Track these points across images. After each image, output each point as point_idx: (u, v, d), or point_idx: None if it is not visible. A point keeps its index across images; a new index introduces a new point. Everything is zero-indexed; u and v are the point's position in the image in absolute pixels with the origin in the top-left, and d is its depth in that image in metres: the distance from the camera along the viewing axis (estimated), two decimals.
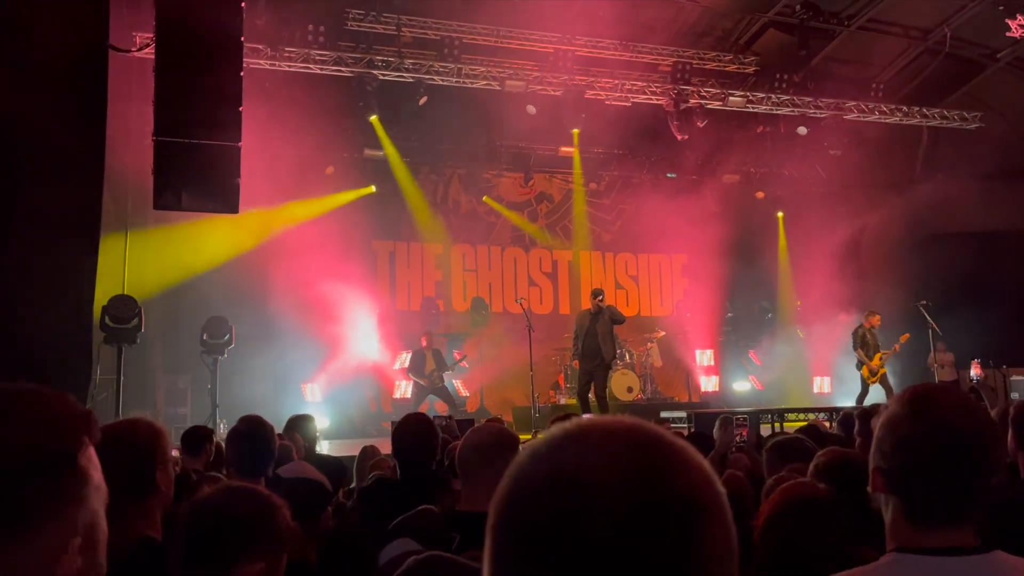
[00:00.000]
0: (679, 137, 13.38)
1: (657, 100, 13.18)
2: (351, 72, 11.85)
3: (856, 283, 14.10)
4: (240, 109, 6.89)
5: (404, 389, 12.57)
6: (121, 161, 8.82)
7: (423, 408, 11.58)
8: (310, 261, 11.98)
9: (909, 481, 1.44)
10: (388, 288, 14.16)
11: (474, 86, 12.35)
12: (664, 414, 10.95)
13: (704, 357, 15.06)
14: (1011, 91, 13.78)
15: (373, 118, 12.47)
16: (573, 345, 10.37)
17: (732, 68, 13.75)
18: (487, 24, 12.28)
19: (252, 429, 3.35)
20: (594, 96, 12.79)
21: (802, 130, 13.85)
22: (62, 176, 6.66)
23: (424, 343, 12.29)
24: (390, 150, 13.27)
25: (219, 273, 11.21)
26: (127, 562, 1.75)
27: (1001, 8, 11.94)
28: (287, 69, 11.49)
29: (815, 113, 13.73)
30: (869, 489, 1.51)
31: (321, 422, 10.95)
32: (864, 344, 11.55)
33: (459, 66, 12.09)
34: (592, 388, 10.05)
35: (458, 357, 12.70)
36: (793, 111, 13.65)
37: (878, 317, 11.65)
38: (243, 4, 7.16)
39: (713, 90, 13.33)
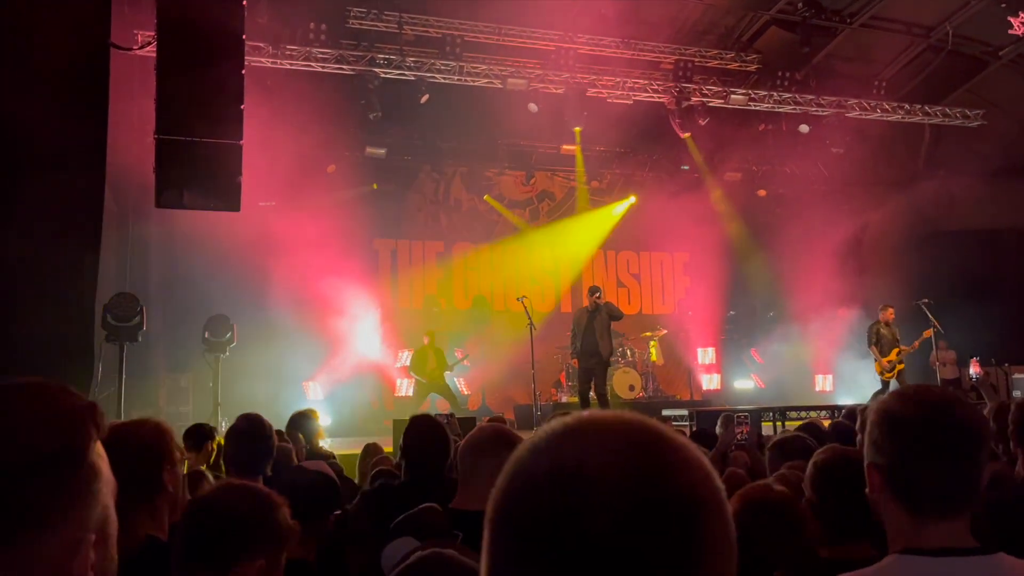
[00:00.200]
0: (681, 135, 13.37)
1: (659, 98, 13.17)
2: (352, 70, 11.84)
3: (858, 281, 14.10)
4: (242, 107, 6.89)
5: (405, 387, 12.58)
6: (123, 159, 8.83)
7: (424, 407, 11.60)
8: (312, 259, 11.99)
9: (905, 470, 1.46)
10: (390, 286, 14.17)
11: (476, 84, 12.34)
12: (666, 412, 10.95)
13: (706, 355, 15.06)
14: (1014, 88, 13.75)
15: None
16: (571, 343, 10.38)
17: (734, 66, 13.72)
18: (489, 22, 12.27)
19: (251, 428, 3.35)
20: (596, 94, 12.78)
21: (804, 128, 13.84)
22: (64, 174, 6.67)
23: (426, 341, 12.29)
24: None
25: (221, 271, 11.21)
26: (132, 562, 1.75)
27: (1004, 5, 11.92)
28: (288, 67, 11.48)
29: (817, 111, 13.71)
30: (867, 491, 1.52)
31: (323, 420, 10.96)
32: (878, 340, 11.39)
33: (461, 64, 12.08)
34: (592, 386, 10.07)
35: (460, 355, 12.71)
36: (795, 109, 13.63)
37: (892, 310, 11.45)
38: (244, 2, 7.15)
39: (715, 88, 13.31)
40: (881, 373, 11.37)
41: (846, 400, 11.97)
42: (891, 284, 13.00)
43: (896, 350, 11.28)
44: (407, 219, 14.46)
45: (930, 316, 11.18)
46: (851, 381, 13.59)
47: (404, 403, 12.35)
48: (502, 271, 14.90)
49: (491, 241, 15.01)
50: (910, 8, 12.73)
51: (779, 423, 9.59)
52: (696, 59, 13.23)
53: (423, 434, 3.32)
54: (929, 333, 11.25)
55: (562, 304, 15.16)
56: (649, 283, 16.17)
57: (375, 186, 13.66)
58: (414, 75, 12.07)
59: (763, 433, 7.86)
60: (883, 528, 1.54)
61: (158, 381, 11.33)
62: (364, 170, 13.52)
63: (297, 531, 1.72)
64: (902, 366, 11.30)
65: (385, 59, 11.96)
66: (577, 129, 13.50)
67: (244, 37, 7.14)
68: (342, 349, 12.51)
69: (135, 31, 9.77)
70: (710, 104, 13.24)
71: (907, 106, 13.90)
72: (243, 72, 7.00)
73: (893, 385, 11.18)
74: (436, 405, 11.62)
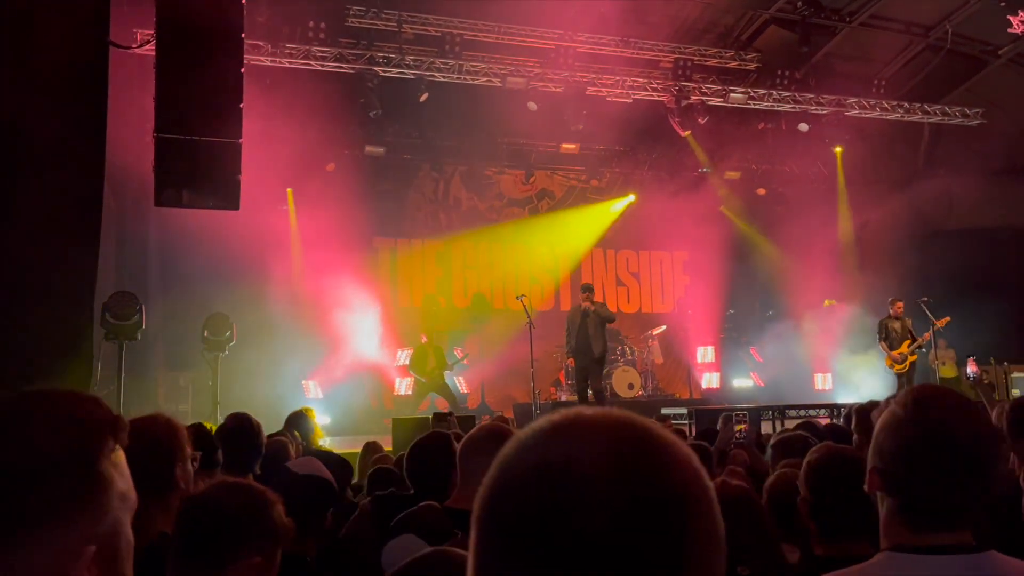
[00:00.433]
0: (682, 133, 13.37)
1: (658, 97, 13.17)
2: (352, 69, 11.84)
3: (857, 280, 14.11)
4: (241, 106, 6.89)
5: (405, 386, 12.59)
6: (122, 158, 8.83)
7: (424, 406, 11.61)
8: (311, 258, 12.00)
9: (907, 485, 1.44)
10: (389, 285, 14.18)
11: (475, 83, 12.34)
12: (665, 411, 10.97)
13: (705, 354, 15.06)
14: (1013, 87, 13.75)
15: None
16: (567, 343, 10.41)
17: (733, 65, 13.73)
18: (488, 20, 12.27)
19: (239, 426, 3.36)
20: (595, 93, 12.78)
21: (803, 127, 13.85)
22: (63, 173, 6.67)
23: (424, 340, 12.29)
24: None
25: (220, 270, 11.22)
26: (145, 559, 1.76)
27: (1003, 4, 11.91)
28: (288, 66, 11.48)
29: (816, 110, 13.71)
30: (865, 488, 1.51)
31: (322, 419, 10.97)
32: (887, 335, 11.34)
33: (460, 63, 12.08)
34: (589, 384, 10.11)
35: (459, 354, 12.71)
36: (794, 108, 13.63)
37: (901, 304, 11.40)
38: (244, 1, 7.16)
39: (714, 87, 13.31)
40: (891, 366, 11.32)
41: (845, 399, 11.97)
42: (890, 283, 13.00)
43: (907, 342, 11.23)
44: (406, 218, 14.47)
45: (929, 315, 11.18)
46: (850, 380, 13.59)
47: (403, 402, 12.37)
48: (501, 270, 14.91)
49: (489, 240, 15.01)
50: (909, 7, 12.73)
51: (778, 421, 9.60)
52: (695, 58, 13.23)
53: (429, 457, 3.18)
54: (943, 323, 11.17)
55: (561, 303, 15.17)
56: (648, 282, 16.17)
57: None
58: (413, 74, 12.07)
59: (762, 432, 7.86)
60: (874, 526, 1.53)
61: (157, 380, 11.34)
62: (363, 169, 13.52)
63: (292, 528, 1.73)
64: (914, 358, 11.26)
65: (384, 58, 11.96)
66: (577, 128, 13.51)
67: (243, 35, 7.14)
68: (341, 348, 12.51)
69: (134, 29, 9.77)
70: (709, 103, 13.25)
71: (906, 105, 13.90)
72: (242, 71, 6.99)
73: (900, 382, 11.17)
74: (435, 404, 11.62)
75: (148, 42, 8.05)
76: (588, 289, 10.35)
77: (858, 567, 1.48)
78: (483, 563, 0.68)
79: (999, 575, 1.40)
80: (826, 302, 14.36)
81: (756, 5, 12.96)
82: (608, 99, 12.92)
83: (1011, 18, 11.90)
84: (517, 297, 10.91)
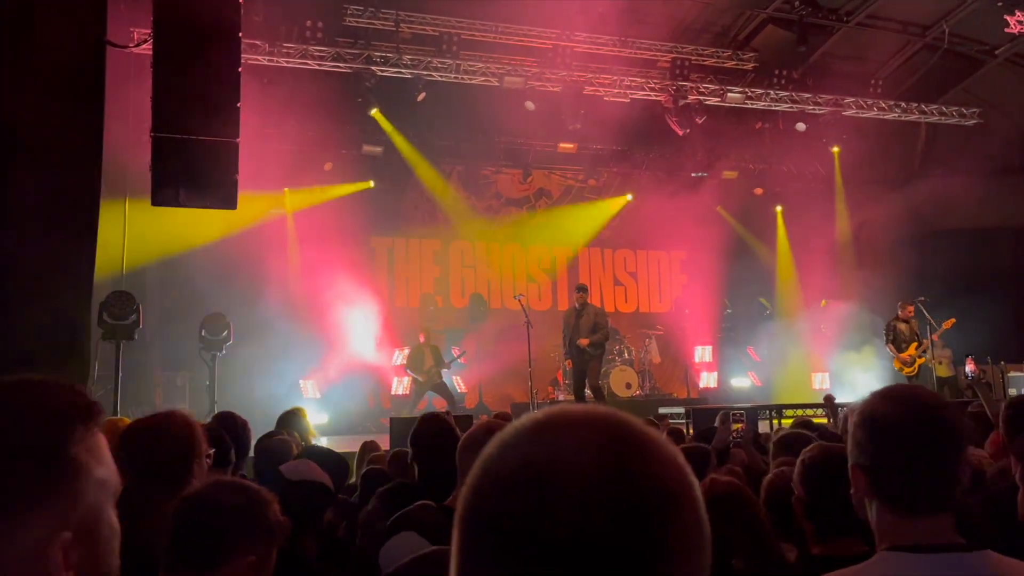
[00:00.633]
0: (680, 133, 13.38)
1: (656, 96, 13.18)
2: (349, 68, 11.84)
3: (854, 280, 14.12)
4: (238, 105, 6.88)
5: (402, 385, 12.58)
6: (120, 157, 8.82)
7: (422, 405, 11.61)
8: (308, 257, 11.99)
9: (888, 470, 1.48)
10: (386, 284, 14.17)
11: (473, 82, 12.34)
12: (662, 410, 10.98)
13: (702, 353, 15.07)
14: (1010, 87, 13.78)
15: (375, 111, 12.41)
16: (563, 345, 10.41)
17: (731, 64, 13.74)
18: (486, 20, 12.28)
19: (223, 425, 3.39)
20: (593, 92, 12.78)
21: (800, 126, 13.86)
22: (60, 172, 6.66)
23: (422, 339, 12.29)
24: (398, 139, 13.18)
25: (217, 270, 11.21)
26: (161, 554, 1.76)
27: (1000, 4, 11.93)
28: (285, 65, 11.47)
29: (814, 109, 13.73)
30: (851, 492, 1.53)
31: (319, 418, 10.99)
32: (895, 336, 11.31)
33: (458, 62, 12.07)
34: (586, 382, 10.10)
35: (456, 353, 12.71)
36: (792, 107, 13.65)
37: (911, 307, 11.37)
38: (241, 0, 7.15)
39: (712, 86, 13.32)
40: (900, 369, 11.29)
41: (842, 398, 11.97)
42: (887, 282, 13.02)
43: (915, 344, 11.21)
44: (404, 217, 14.46)
45: (926, 314, 11.20)
46: (847, 379, 13.60)
47: (401, 401, 12.37)
48: (499, 269, 14.92)
49: (488, 239, 15.00)
50: (906, 7, 12.75)
51: (775, 421, 9.61)
52: (693, 57, 13.24)
53: (433, 433, 3.26)
54: (949, 324, 11.15)
55: (559, 302, 15.16)
56: (646, 281, 16.18)
57: (372, 184, 13.61)
58: (411, 73, 12.07)
59: (759, 431, 7.87)
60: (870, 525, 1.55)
61: (154, 379, 11.33)
62: (361, 168, 13.52)
63: (288, 527, 1.73)
64: (923, 360, 11.24)
65: (382, 57, 11.95)
66: (575, 127, 13.52)
67: (241, 35, 7.13)
68: (339, 347, 12.50)
69: (131, 28, 9.77)
70: (707, 103, 13.26)
71: (903, 104, 13.92)
72: (239, 70, 6.98)
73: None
74: (433, 403, 11.62)
75: (145, 41, 8.05)
76: (582, 289, 10.37)
77: (855, 568, 1.49)
78: (465, 564, 0.67)
79: (994, 574, 1.41)
80: (822, 302, 14.38)
81: (753, 5, 12.98)
82: (606, 99, 12.93)
83: (1008, 18, 11.92)
84: (515, 296, 10.91)
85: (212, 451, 2.39)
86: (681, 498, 0.67)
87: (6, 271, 6.24)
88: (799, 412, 9.75)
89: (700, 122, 13.20)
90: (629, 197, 15.44)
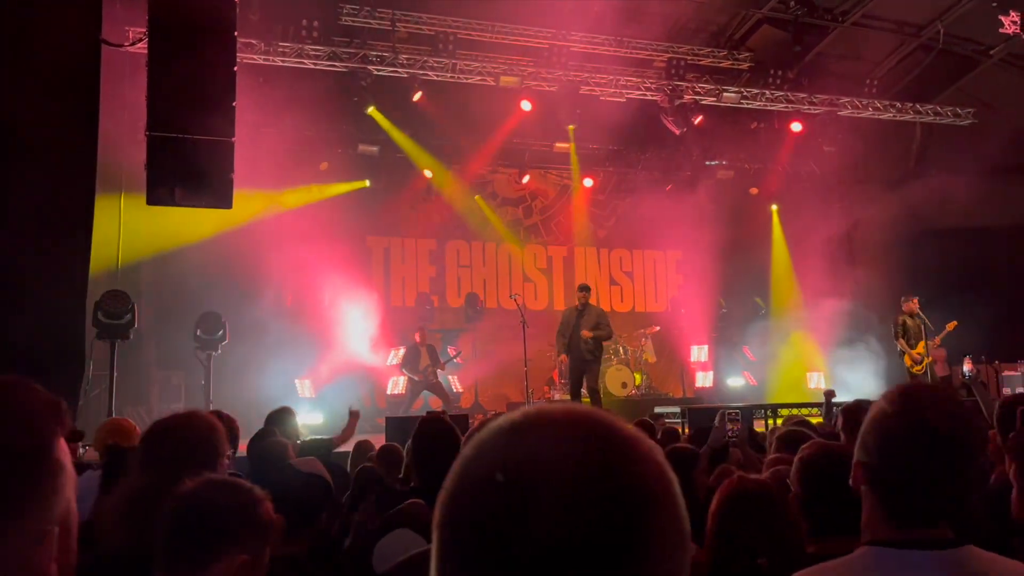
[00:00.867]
0: (677, 132, 13.40)
1: (652, 96, 13.19)
2: (345, 67, 11.83)
3: (850, 279, 14.15)
4: (233, 104, 6.87)
5: (398, 385, 12.57)
6: (115, 156, 8.80)
7: (417, 404, 11.60)
8: (304, 257, 11.97)
9: (890, 480, 1.44)
10: (382, 284, 14.16)
11: (469, 82, 12.34)
12: (658, 409, 10.99)
13: (698, 353, 15.09)
14: (1004, 87, 13.81)
15: (371, 109, 12.36)
16: (557, 341, 10.31)
17: (726, 64, 13.75)
18: (482, 20, 12.28)
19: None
20: (589, 92, 12.79)
21: (796, 126, 13.89)
22: (55, 171, 6.65)
23: (418, 339, 12.28)
24: (396, 135, 13.12)
25: (213, 267, 11.19)
26: None
27: (995, 4, 11.97)
28: (281, 64, 11.46)
29: (809, 109, 13.76)
30: (850, 481, 1.51)
31: (314, 418, 10.98)
32: (905, 332, 11.11)
33: (454, 61, 12.07)
34: (584, 383, 10.08)
35: (452, 353, 12.71)
36: (787, 107, 13.67)
37: (916, 300, 11.23)
38: None
39: (707, 86, 13.34)
40: (911, 367, 11.12)
41: (837, 398, 11.99)
42: (882, 282, 13.05)
43: (922, 343, 11.10)
44: (400, 216, 14.45)
45: (920, 315, 11.22)
46: (843, 379, 13.62)
47: (396, 401, 12.35)
48: (495, 269, 14.92)
49: (484, 239, 15.01)
50: (901, 7, 12.78)
51: (771, 420, 9.64)
52: (688, 57, 13.25)
53: (434, 435, 3.18)
54: (952, 326, 11.05)
55: (555, 302, 15.17)
56: (642, 281, 16.19)
57: (367, 183, 13.62)
58: (407, 72, 12.07)
59: (755, 429, 7.89)
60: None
61: (150, 378, 11.30)
62: (357, 167, 13.51)
63: (281, 526, 1.72)
64: (930, 359, 11.13)
65: (378, 56, 11.95)
66: (571, 127, 13.52)
67: (236, 34, 7.12)
68: (334, 347, 12.49)
69: (127, 27, 9.76)
70: (702, 102, 13.28)
71: (898, 104, 13.96)
72: (235, 69, 6.98)
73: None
74: (429, 403, 11.61)
75: (141, 40, 8.03)
76: (585, 289, 10.31)
77: (838, 561, 1.49)
78: (444, 569, 0.67)
79: (977, 570, 1.40)
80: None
81: (749, 5, 13.00)
82: (602, 98, 12.94)
83: (1003, 18, 11.95)
84: (510, 296, 10.89)
85: (231, 451, 2.39)
86: (660, 498, 0.67)
87: (1, 271, 6.23)
88: (794, 411, 9.78)
89: (696, 122, 13.22)
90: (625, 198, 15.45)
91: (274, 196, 12.31)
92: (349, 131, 13.07)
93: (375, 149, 13.30)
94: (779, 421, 9.32)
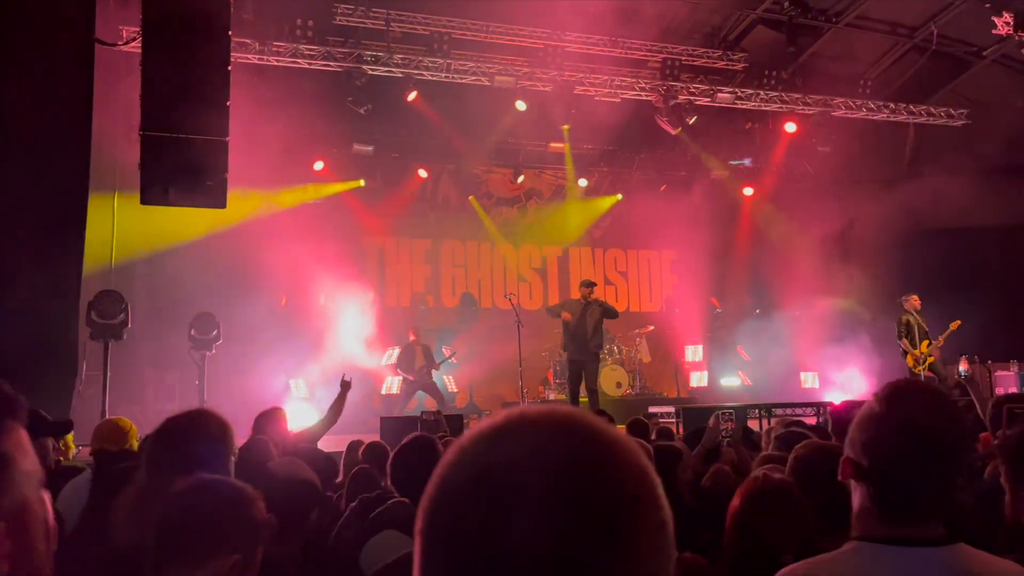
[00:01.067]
0: (672, 132, 13.42)
1: (646, 96, 13.21)
2: (340, 67, 11.82)
3: (843, 279, 14.18)
4: (228, 103, 6.86)
5: (392, 385, 12.56)
6: (108, 155, 8.78)
7: (412, 404, 11.60)
8: (299, 257, 11.95)
9: (878, 478, 1.45)
10: (377, 284, 14.15)
11: (463, 81, 12.34)
12: (652, 409, 11.00)
13: (693, 353, 15.11)
14: (997, 88, 13.86)
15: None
16: (564, 334, 10.11)
17: (721, 64, 13.77)
18: (477, 20, 12.27)
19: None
20: (584, 92, 12.80)
21: (790, 126, 13.92)
22: (48, 170, 6.63)
23: (413, 338, 12.27)
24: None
25: (207, 267, 11.17)
26: None
27: (987, 5, 12.01)
28: (275, 64, 11.44)
29: (803, 110, 13.79)
30: (839, 476, 1.52)
31: (309, 418, 10.94)
32: (908, 331, 11.04)
33: (448, 61, 12.07)
34: (583, 381, 10.04)
35: (447, 353, 12.70)
36: (781, 107, 13.70)
37: (916, 297, 11.17)
38: None
39: (702, 86, 13.36)
40: (913, 366, 11.04)
41: (831, 398, 12.03)
42: (876, 282, 13.09)
43: (925, 343, 11.04)
44: (395, 216, 14.44)
45: (913, 314, 11.24)
46: (837, 379, 13.67)
47: (391, 400, 12.34)
48: (489, 268, 14.92)
49: (479, 238, 15.01)
50: (895, 8, 12.83)
51: (765, 420, 9.64)
52: (683, 58, 13.27)
53: (414, 462, 3.05)
54: (955, 325, 10.97)
55: (549, 301, 15.16)
56: (637, 281, 16.22)
57: (362, 183, 13.63)
58: (402, 72, 12.06)
59: (750, 428, 7.90)
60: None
61: (144, 378, 11.27)
62: (352, 167, 13.49)
63: (273, 526, 1.72)
64: (933, 359, 11.07)
65: (372, 56, 11.94)
66: (565, 127, 13.53)
67: (230, 33, 7.11)
68: (329, 346, 12.47)
69: (120, 26, 9.73)
70: (697, 102, 13.30)
71: (892, 105, 14.00)
72: (229, 68, 6.96)
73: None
74: (423, 403, 11.61)
75: (134, 39, 8.00)
76: (589, 284, 10.24)
77: (826, 556, 1.49)
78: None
79: (966, 568, 1.41)
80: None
81: (743, 5, 13.02)
82: (596, 98, 12.95)
83: (995, 19, 11.98)
84: (505, 296, 10.87)
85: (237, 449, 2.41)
86: (642, 501, 0.66)
87: None
88: (788, 411, 9.79)
89: (690, 122, 13.24)
90: (619, 196, 15.46)
91: (269, 196, 12.31)
92: (344, 131, 13.05)
93: (370, 148, 13.30)
94: (772, 421, 9.32)
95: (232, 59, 7.20)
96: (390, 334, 13.23)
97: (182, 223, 10.49)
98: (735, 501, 2.28)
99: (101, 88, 7.03)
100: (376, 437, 7.60)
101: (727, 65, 13.81)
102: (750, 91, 13.49)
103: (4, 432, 0.98)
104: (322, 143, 12.99)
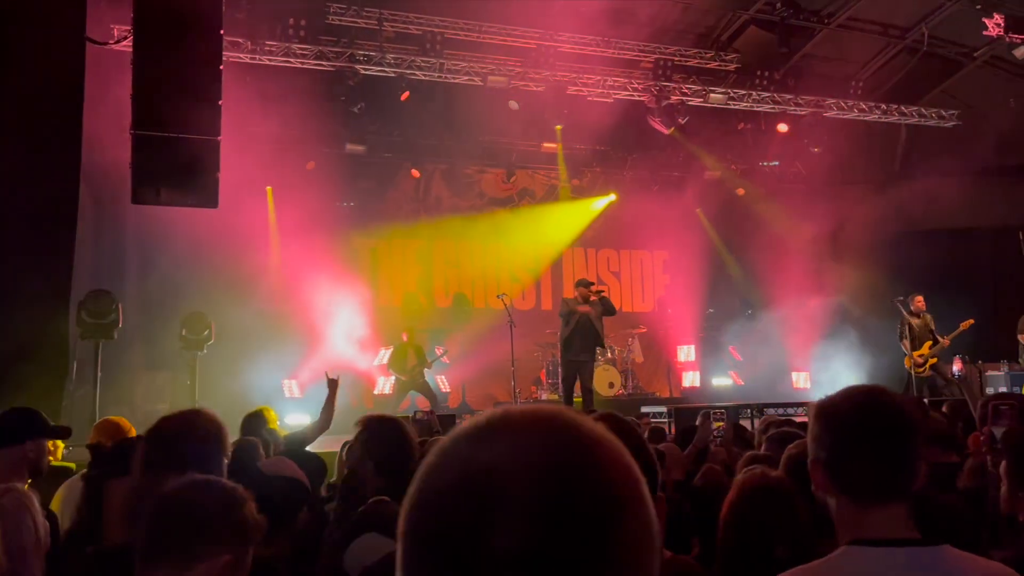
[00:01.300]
0: (665, 132, 13.44)
1: (639, 97, 13.23)
2: (332, 66, 11.80)
3: (835, 280, 14.23)
4: (220, 103, 6.83)
5: (385, 385, 12.55)
6: (99, 154, 8.74)
7: (404, 404, 11.59)
8: (291, 256, 11.93)
9: (843, 459, 1.54)
10: (369, 283, 14.12)
11: (456, 81, 12.33)
12: (645, 409, 11.00)
13: (685, 353, 15.14)
14: (988, 89, 13.93)
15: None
16: (571, 333, 10.00)
17: (713, 65, 13.81)
18: (470, 19, 12.26)
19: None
20: (576, 92, 12.81)
21: (782, 127, 13.97)
22: (38, 170, 6.60)
23: (405, 338, 12.26)
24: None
25: (198, 268, 11.13)
26: None
27: (978, 7, 12.07)
28: (267, 63, 11.41)
29: (795, 110, 13.83)
30: (813, 489, 1.58)
31: (301, 418, 10.92)
32: (909, 333, 10.87)
33: (441, 61, 12.06)
34: (580, 380, 10.02)
35: (439, 352, 12.69)
36: (773, 108, 13.75)
37: (920, 298, 11.08)
38: None
39: (694, 87, 13.39)
40: (911, 368, 10.92)
41: (820, 397, 12.03)
42: (867, 282, 13.13)
43: (928, 343, 10.94)
44: (387, 216, 14.42)
45: (904, 314, 11.28)
46: (829, 379, 13.70)
47: (384, 401, 12.33)
48: (482, 268, 14.91)
49: (472, 239, 14.99)
50: (886, 9, 12.88)
51: (757, 420, 9.66)
52: (676, 58, 13.30)
53: (387, 436, 2.98)
54: (967, 325, 10.85)
55: (542, 301, 15.20)
56: (629, 281, 16.24)
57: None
58: (394, 72, 12.05)
59: (742, 426, 7.91)
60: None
61: (135, 379, 11.22)
62: (344, 167, 13.46)
63: (264, 526, 1.72)
64: (935, 360, 10.96)
65: (365, 55, 11.92)
66: (558, 127, 13.54)
67: (222, 32, 7.09)
68: (321, 347, 12.45)
69: (111, 25, 9.69)
70: (689, 103, 13.33)
71: (883, 106, 14.05)
72: (221, 67, 6.94)
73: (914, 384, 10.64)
74: (416, 403, 11.59)
75: (125, 38, 7.98)
76: (587, 284, 10.20)
77: (818, 562, 1.52)
78: None
79: (951, 568, 1.44)
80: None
81: (736, 6, 13.06)
82: (589, 99, 12.96)
83: (986, 21, 12.04)
84: (498, 296, 10.88)
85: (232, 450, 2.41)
86: (628, 501, 0.65)
87: None
88: (779, 411, 9.80)
89: (683, 122, 13.27)
90: (613, 197, 15.48)
91: (260, 196, 12.26)
92: (336, 130, 13.02)
93: (362, 148, 13.27)
94: (758, 421, 9.34)
95: (224, 58, 7.18)
96: (382, 334, 13.21)
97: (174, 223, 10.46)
98: (730, 496, 2.30)
99: (91, 87, 7.00)
100: None
101: (719, 66, 13.85)
102: (742, 92, 13.53)
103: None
104: (314, 143, 12.95)
